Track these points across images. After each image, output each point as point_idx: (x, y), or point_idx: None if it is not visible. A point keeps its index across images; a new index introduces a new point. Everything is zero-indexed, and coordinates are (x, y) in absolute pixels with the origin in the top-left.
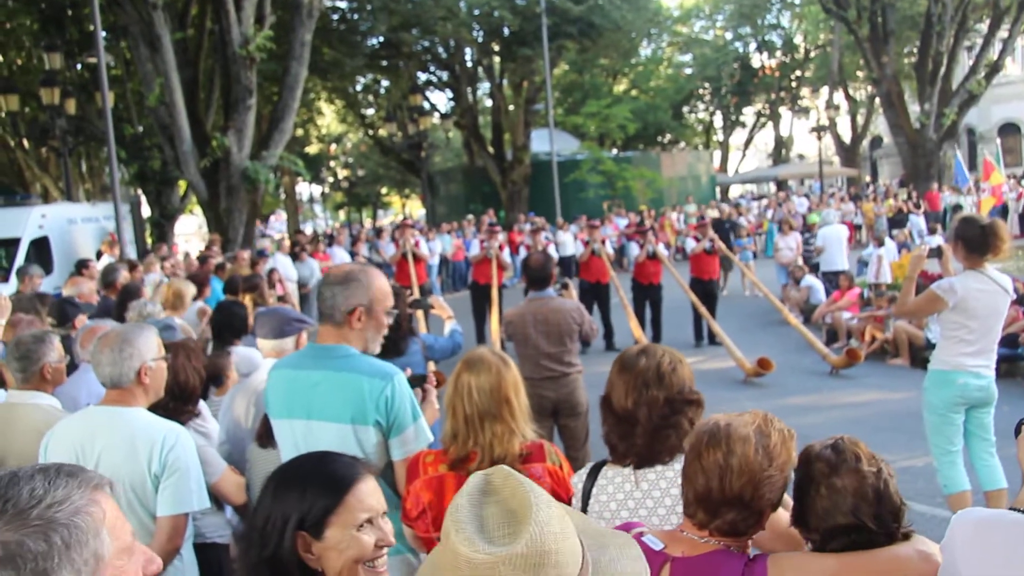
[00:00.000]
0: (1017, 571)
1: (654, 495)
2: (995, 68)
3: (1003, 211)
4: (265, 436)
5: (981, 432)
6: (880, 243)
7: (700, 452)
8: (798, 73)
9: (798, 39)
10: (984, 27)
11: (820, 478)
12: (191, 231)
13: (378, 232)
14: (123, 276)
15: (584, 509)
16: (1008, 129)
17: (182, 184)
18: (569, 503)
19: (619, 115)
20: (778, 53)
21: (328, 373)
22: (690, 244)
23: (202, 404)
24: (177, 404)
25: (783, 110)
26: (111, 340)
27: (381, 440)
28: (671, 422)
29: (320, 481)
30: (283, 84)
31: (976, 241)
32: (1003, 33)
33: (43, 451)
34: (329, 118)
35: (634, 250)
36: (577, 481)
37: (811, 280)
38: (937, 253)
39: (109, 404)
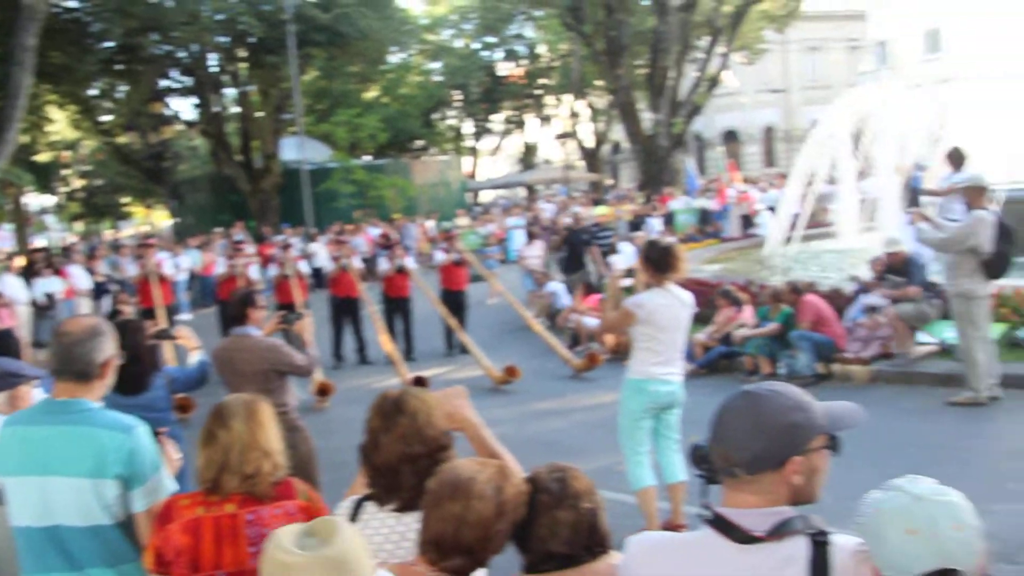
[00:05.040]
0: None
1: (411, 536)
2: (714, 82)
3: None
4: None
5: (668, 432)
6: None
7: (440, 501)
8: (543, 81)
9: (541, 48)
10: (705, 44)
11: (542, 509)
12: None
13: (117, 247)
14: None
15: None
16: (730, 136)
17: None
18: None
19: (370, 124)
20: (523, 62)
21: (65, 428)
22: (439, 256)
23: None
24: None
25: (529, 117)
26: None
27: (122, 493)
28: (432, 472)
29: None
30: (4, 92)
31: (659, 262)
32: (722, 48)
33: None
34: (61, 124)
35: (385, 263)
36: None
37: (554, 285)
38: (631, 274)
39: None
